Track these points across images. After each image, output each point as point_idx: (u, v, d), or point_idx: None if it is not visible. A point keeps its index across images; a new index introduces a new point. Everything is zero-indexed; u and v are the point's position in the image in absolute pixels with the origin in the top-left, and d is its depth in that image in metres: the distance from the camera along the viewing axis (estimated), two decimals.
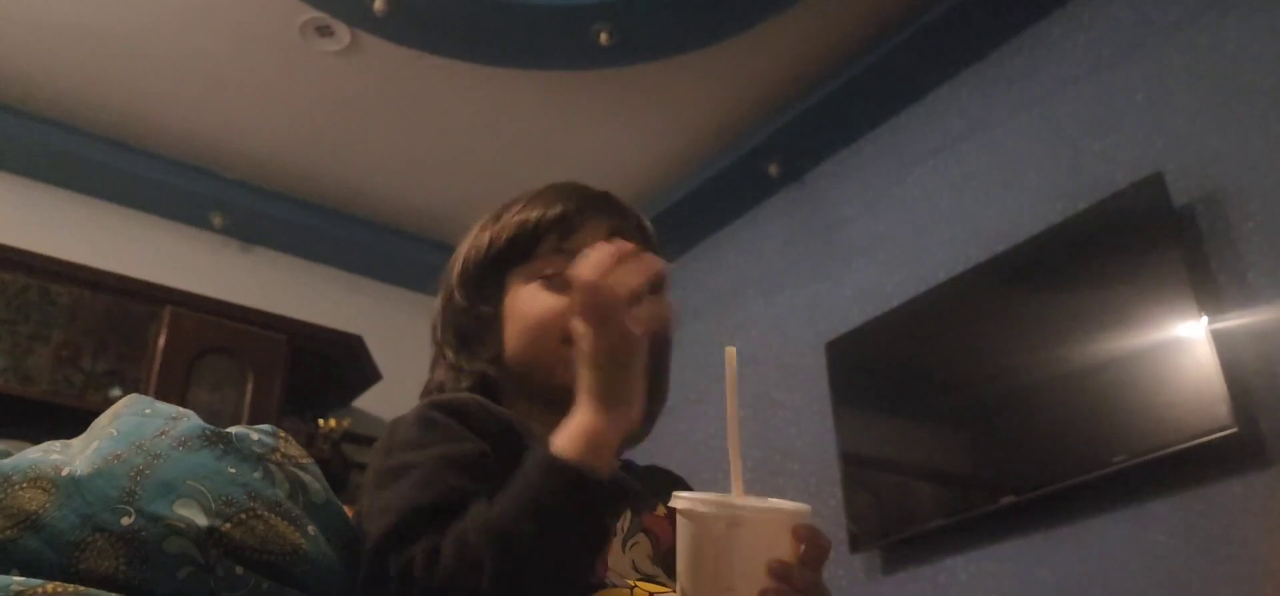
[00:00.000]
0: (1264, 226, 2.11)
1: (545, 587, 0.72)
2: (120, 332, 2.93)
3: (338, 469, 3.04)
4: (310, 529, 0.75)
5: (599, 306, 0.75)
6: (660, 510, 0.89)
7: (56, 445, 0.75)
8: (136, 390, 2.75)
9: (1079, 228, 2.38)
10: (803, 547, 0.71)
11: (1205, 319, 2.07)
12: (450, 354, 0.99)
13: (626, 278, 0.76)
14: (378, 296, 3.81)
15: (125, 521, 0.67)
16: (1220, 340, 2.05)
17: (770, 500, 0.74)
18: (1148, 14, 2.45)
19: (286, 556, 0.71)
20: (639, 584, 0.83)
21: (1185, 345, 2.08)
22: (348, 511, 0.82)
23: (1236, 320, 2.09)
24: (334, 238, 3.70)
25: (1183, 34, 2.36)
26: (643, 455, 1.02)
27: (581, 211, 0.98)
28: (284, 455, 0.78)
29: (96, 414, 0.81)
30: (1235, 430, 1.96)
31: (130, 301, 2.98)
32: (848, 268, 3.03)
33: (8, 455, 0.71)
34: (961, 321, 2.61)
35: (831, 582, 0.77)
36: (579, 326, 0.77)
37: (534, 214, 0.98)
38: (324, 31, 2.83)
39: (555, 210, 0.97)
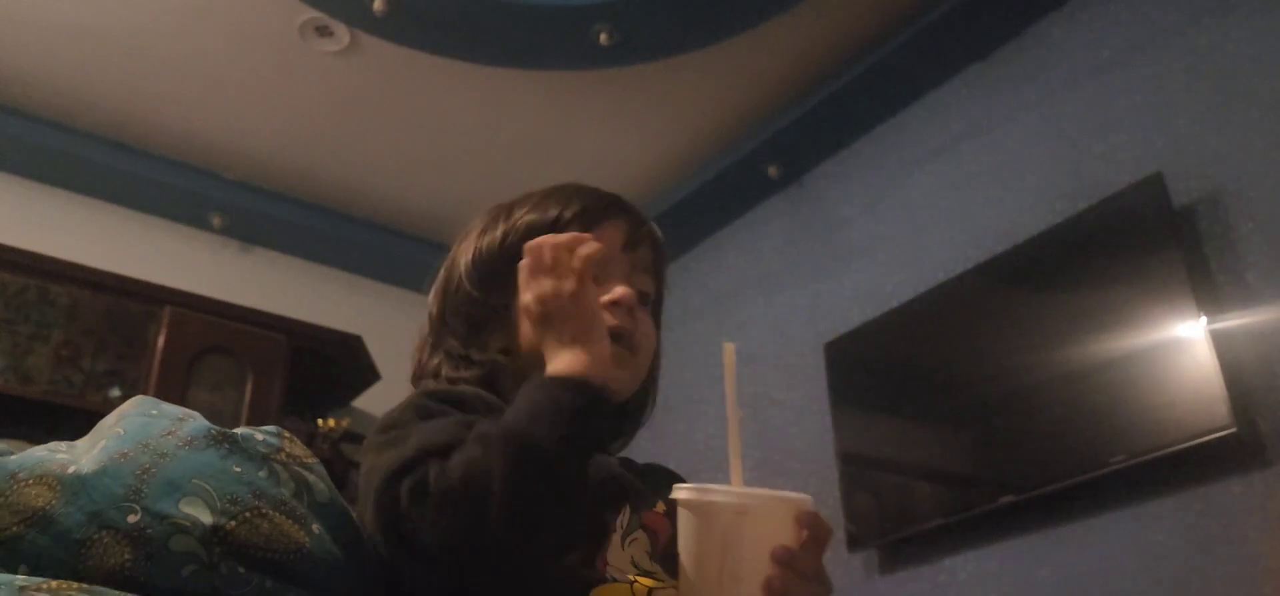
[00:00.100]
0: (1264, 227, 2.11)
1: (551, 496, 0.73)
2: (120, 332, 2.93)
3: (337, 469, 3.04)
4: (315, 528, 0.75)
5: (532, 265, 0.83)
6: (659, 508, 0.89)
7: (62, 445, 0.76)
8: (136, 390, 2.78)
9: (1079, 228, 2.38)
10: (806, 534, 0.73)
11: (1205, 319, 2.07)
12: (458, 342, 0.99)
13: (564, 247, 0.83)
14: (377, 296, 3.81)
15: (131, 519, 0.67)
16: (1219, 340, 2.05)
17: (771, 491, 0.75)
18: (1148, 15, 2.46)
19: (291, 555, 0.71)
20: (639, 578, 0.84)
21: (1185, 345, 2.09)
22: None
23: (1236, 320, 2.09)
24: (334, 238, 3.70)
25: (1183, 35, 2.37)
26: (642, 454, 1.02)
27: (605, 210, 1.00)
28: (289, 455, 0.79)
29: (96, 414, 0.81)
30: (1234, 430, 1.96)
31: (130, 301, 2.98)
32: (847, 268, 3.03)
33: (9, 454, 0.71)
34: (961, 321, 2.61)
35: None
36: (522, 291, 0.84)
37: (553, 210, 0.99)
38: (323, 32, 2.83)
39: (574, 207, 0.99)
